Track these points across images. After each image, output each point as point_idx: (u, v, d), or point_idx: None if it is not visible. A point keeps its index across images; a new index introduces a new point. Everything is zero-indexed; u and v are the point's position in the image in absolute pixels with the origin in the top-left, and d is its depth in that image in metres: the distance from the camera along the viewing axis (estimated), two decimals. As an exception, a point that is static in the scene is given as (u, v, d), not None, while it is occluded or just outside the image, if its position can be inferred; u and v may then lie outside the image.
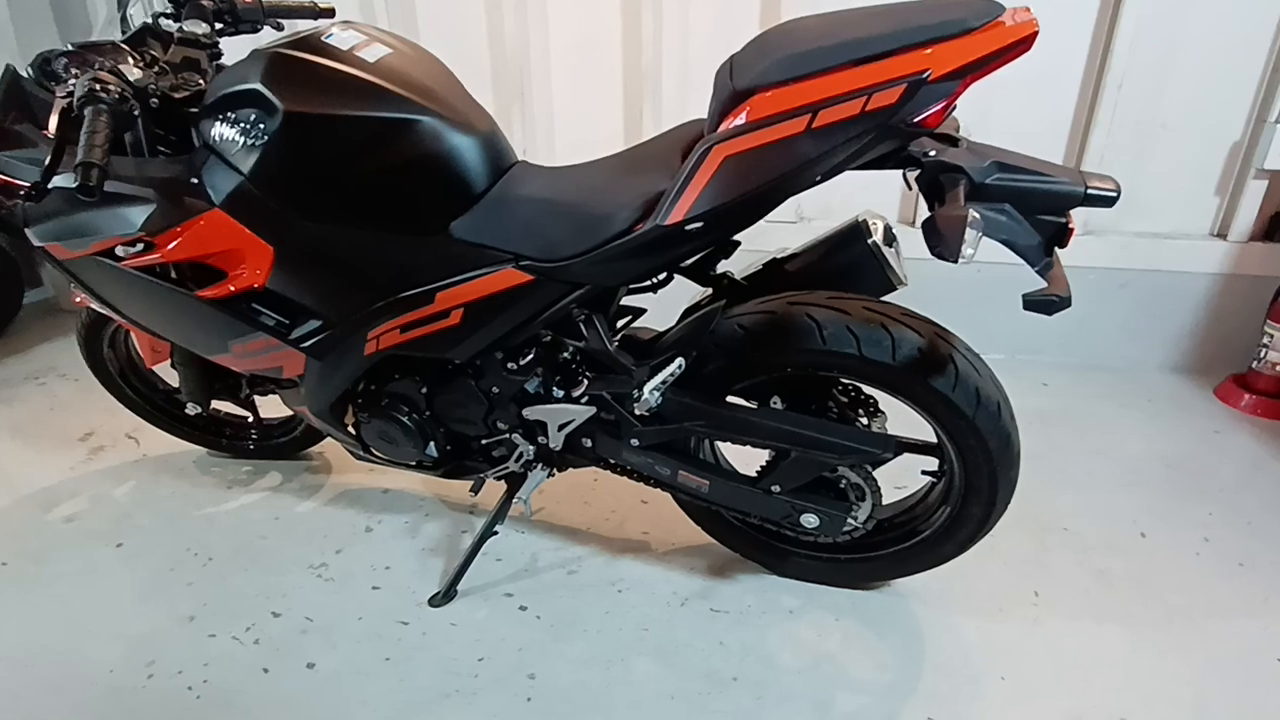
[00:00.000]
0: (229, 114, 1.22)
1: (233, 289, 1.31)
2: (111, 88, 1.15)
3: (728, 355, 1.31)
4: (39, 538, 1.82)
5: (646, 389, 1.26)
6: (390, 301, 1.32)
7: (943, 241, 0.94)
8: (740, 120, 1.02)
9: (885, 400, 1.37)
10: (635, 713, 1.35)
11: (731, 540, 1.63)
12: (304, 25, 1.60)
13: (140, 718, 1.36)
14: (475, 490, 1.63)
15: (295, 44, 1.21)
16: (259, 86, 1.16)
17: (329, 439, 2.06)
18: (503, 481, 1.63)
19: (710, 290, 1.43)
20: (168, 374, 1.99)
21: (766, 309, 1.29)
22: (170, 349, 1.76)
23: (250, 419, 2.03)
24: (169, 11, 1.46)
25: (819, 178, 1.05)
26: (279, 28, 1.61)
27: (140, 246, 1.31)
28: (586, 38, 2.71)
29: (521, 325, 1.32)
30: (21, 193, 1.17)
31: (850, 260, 1.33)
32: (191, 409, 1.88)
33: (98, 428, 2.31)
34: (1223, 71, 2.28)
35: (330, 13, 1.65)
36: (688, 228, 1.08)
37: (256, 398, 1.95)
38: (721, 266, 1.43)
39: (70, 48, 1.35)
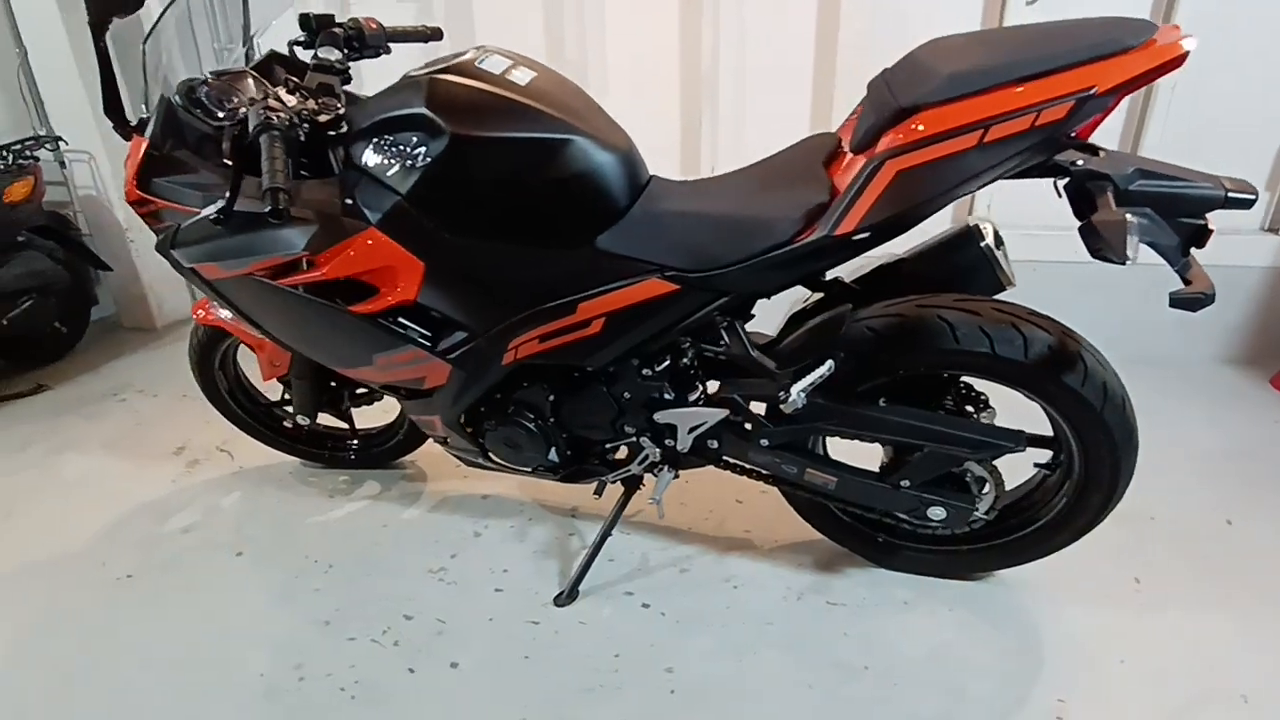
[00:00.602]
0: (387, 137, 1.28)
1: (385, 304, 1.36)
2: (282, 115, 1.21)
3: (856, 357, 1.37)
4: (161, 549, 1.88)
5: (794, 391, 1.31)
6: (533, 312, 1.38)
7: (1107, 244, 1.01)
8: (907, 136, 1.08)
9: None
10: (777, 702, 1.41)
11: (840, 535, 1.69)
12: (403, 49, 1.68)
13: (300, 717, 1.41)
14: (599, 493, 1.69)
15: (451, 69, 1.27)
16: (425, 111, 1.22)
17: (422, 447, 2.12)
18: (618, 484, 1.69)
19: (819, 294, 1.49)
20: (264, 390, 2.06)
21: (895, 312, 1.35)
22: (288, 364, 1.82)
23: (348, 429, 2.10)
24: (302, 39, 1.52)
25: (976, 188, 1.11)
26: (388, 51, 1.66)
27: (300, 265, 1.37)
28: (644, 49, 2.77)
29: (661, 333, 1.38)
30: (212, 217, 1.22)
31: (964, 263, 1.39)
32: (300, 421, 1.94)
33: (188, 441, 2.36)
34: (1273, 69, 2.35)
35: (439, 33, 1.71)
36: (856, 238, 1.15)
37: (352, 409, 2.02)
38: (830, 272, 1.49)
39: (209, 76, 1.41)
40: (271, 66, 1.55)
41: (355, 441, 2.11)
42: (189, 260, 1.45)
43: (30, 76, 3.10)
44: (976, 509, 1.43)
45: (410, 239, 1.32)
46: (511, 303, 1.38)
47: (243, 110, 1.25)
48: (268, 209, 1.11)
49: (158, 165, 1.39)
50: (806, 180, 1.24)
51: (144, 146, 1.36)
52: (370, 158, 1.30)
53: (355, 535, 1.91)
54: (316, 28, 1.50)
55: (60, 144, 2.86)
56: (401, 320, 1.41)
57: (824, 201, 1.18)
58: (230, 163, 1.22)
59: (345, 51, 1.53)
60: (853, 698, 1.42)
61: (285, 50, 1.55)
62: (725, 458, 1.55)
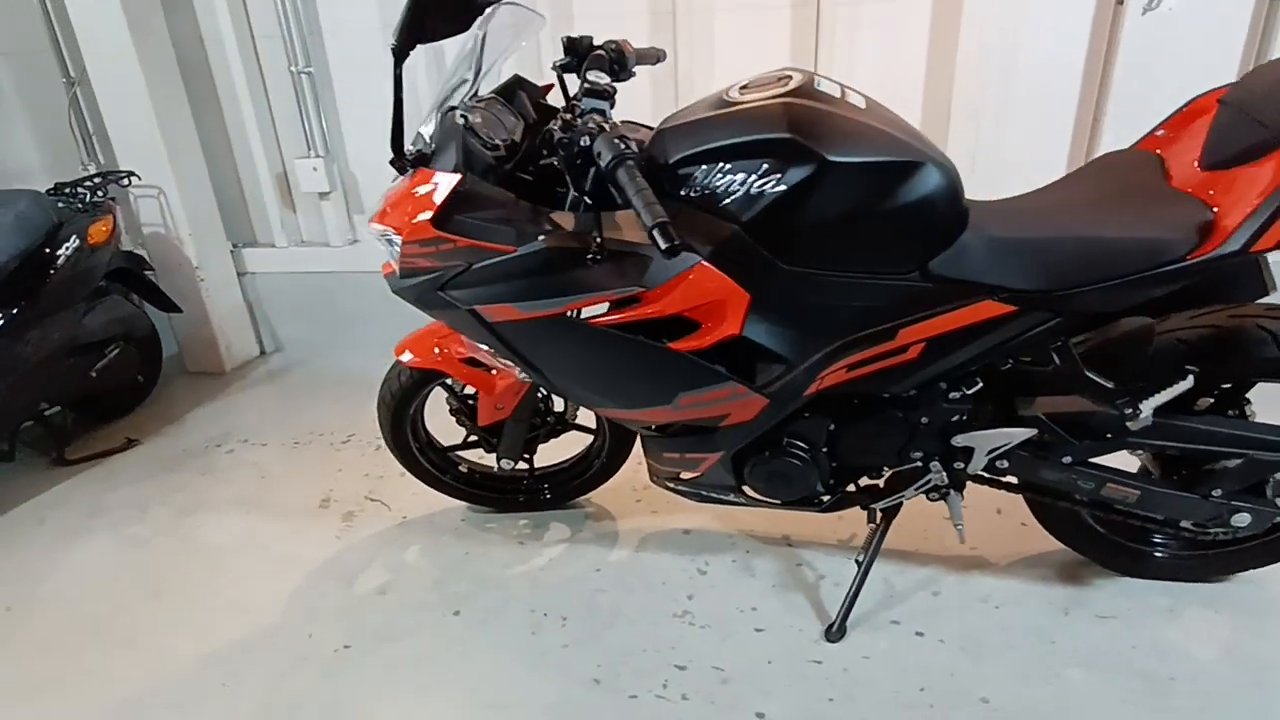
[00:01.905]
0: (722, 164, 1.21)
1: (711, 339, 1.29)
2: (630, 142, 1.13)
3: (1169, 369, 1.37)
4: (366, 615, 1.73)
5: (1145, 408, 1.31)
6: (850, 340, 1.33)
7: None
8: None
9: None
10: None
11: (1088, 546, 1.69)
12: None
13: (635, 788, 1.31)
14: (872, 520, 1.64)
15: (800, 94, 1.22)
16: (791, 136, 1.17)
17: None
18: (872, 510, 1.65)
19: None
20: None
21: (1206, 323, 1.36)
22: (513, 408, 1.72)
23: (527, 470, 1.99)
24: (566, 62, 1.44)
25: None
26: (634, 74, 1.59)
27: (606, 304, 1.28)
28: (755, 71, 2.75)
29: (980, 355, 1.35)
30: (589, 255, 1.13)
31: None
32: (504, 465, 1.84)
33: (329, 493, 2.20)
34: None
35: (664, 55, 1.66)
36: (1267, 253, 1.15)
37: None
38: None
39: (468, 103, 1.32)
40: (515, 91, 1.47)
41: (547, 483, 2.00)
42: (472, 302, 1.34)
43: (80, 109, 2.86)
44: None
45: (741, 270, 1.26)
46: (833, 332, 1.33)
47: (583, 139, 1.17)
48: (663, 246, 1.03)
49: (457, 202, 1.28)
50: (1165, 198, 1.24)
51: (456, 181, 1.26)
52: (703, 185, 1.23)
53: (571, 583, 1.80)
54: (583, 51, 1.42)
55: (133, 179, 2.63)
56: (715, 355, 1.34)
57: (1208, 218, 1.18)
58: (589, 201, 1.14)
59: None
60: (1178, 710, 1.41)
61: (540, 74, 1.47)
62: (1008, 476, 1.53)
